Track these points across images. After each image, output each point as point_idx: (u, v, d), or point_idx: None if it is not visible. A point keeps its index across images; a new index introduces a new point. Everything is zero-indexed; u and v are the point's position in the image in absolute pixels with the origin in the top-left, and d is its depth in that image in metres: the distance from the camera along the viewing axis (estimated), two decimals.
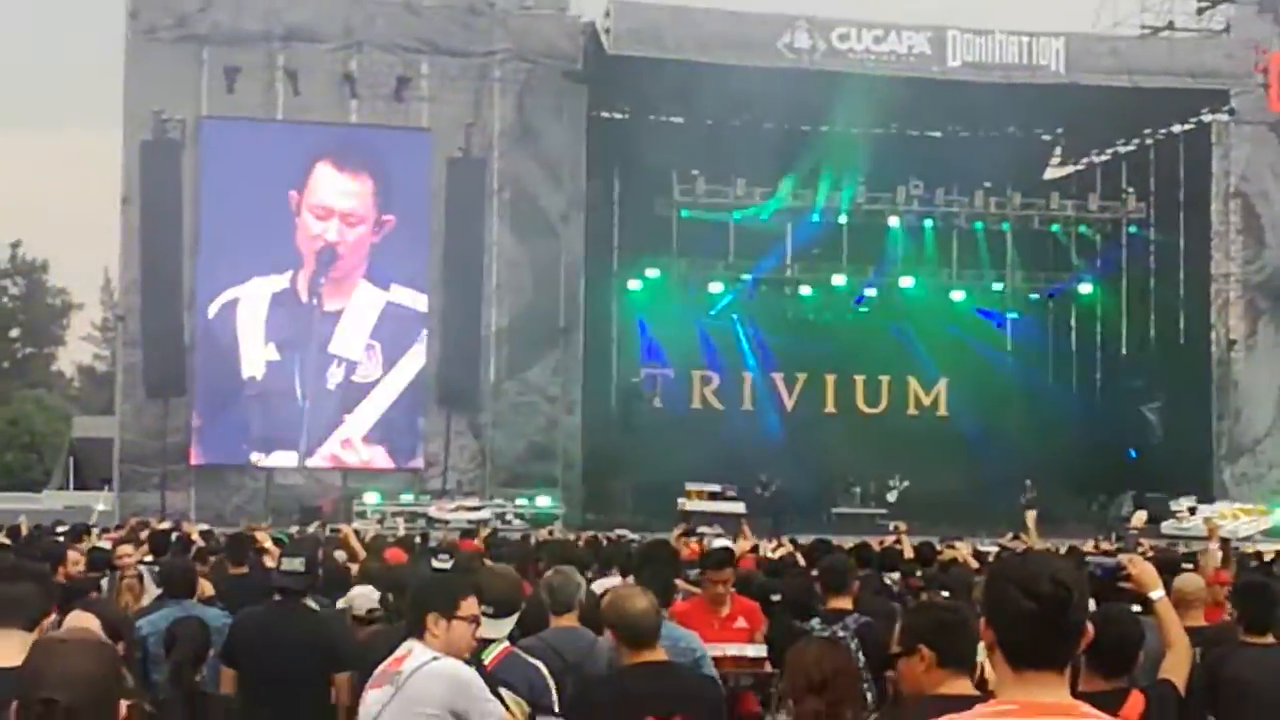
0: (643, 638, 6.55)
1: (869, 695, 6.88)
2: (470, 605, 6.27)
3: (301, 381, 37.69)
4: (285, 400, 37.56)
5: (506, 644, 7.05)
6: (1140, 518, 14.96)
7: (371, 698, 6.12)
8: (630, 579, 9.99)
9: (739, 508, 33.41)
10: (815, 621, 8.73)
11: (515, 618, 6.97)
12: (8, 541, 15.67)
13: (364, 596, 9.47)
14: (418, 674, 6.00)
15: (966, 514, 36.64)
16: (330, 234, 37.93)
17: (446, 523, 32.29)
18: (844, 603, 9.12)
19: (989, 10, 46.19)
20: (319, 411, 37.68)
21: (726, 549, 12.03)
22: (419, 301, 38.30)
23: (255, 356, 37.71)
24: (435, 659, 6.03)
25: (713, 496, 35.96)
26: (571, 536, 22.64)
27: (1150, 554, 14.17)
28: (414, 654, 6.08)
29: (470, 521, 31.05)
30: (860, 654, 7.64)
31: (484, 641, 6.69)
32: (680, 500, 35.63)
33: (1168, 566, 12.27)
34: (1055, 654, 3.68)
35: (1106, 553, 12.91)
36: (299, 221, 37.78)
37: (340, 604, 9.62)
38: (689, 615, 9.21)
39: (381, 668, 6.18)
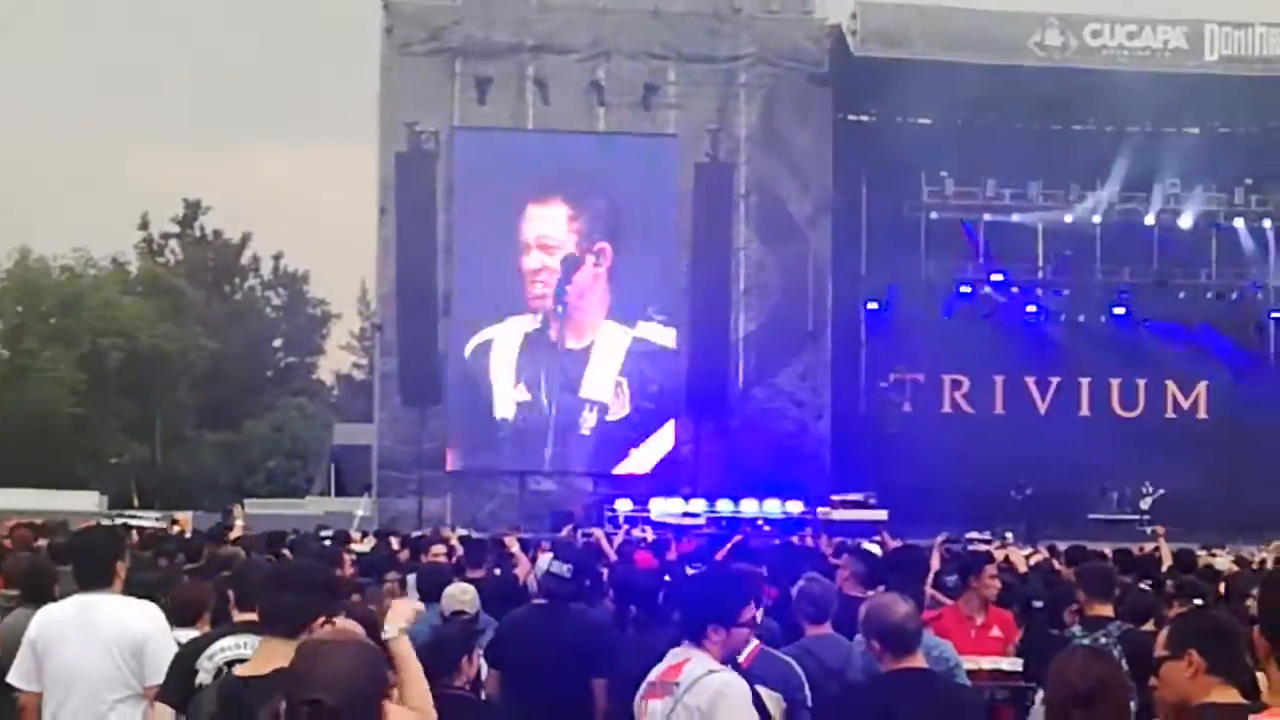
0: (905, 645, 6.53)
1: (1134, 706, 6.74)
2: (749, 611, 6.33)
3: (551, 422, 38.06)
4: (536, 442, 38.06)
5: (757, 642, 7.07)
6: None
7: (653, 708, 6.15)
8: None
9: (881, 515, 32.83)
10: (1076, 628, 8.57)
11: None
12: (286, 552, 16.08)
13: (451, 597, 9.37)
14: (699, 684, 6.03)
15: (1226, 521, 35.64)
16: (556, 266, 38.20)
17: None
18: (1106, 610, 8.81)
19: (1248, 1, 44.79)
20: (571, 456, 38.18)
21: (987, 553, 11.84)
22: (666, 337, 38.49)
23: (505, 399, 38.23)
24: (712, 671, 6.06)
25: (855, 505, 35.07)
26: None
27: None
28: (693, 661, 6.11)
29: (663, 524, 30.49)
30: (1124, 662, 7.49)
31: None
32: (822, 509, 34.76)
33: None
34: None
35: None
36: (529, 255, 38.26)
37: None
38: (942, 624, 9.10)
39: (657, 676, 6.21)
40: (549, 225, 38.39)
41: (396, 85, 37.88)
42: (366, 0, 39.09)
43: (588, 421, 38.28)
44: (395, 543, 15.85)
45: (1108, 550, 14.58)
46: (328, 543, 16.10)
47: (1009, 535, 27.03)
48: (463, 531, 21.00)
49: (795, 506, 36.74)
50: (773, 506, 36.62)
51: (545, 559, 10.75)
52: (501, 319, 37.92)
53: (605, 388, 38.43)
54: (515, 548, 14.02)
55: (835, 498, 36.02)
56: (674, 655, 6.23)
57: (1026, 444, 42.11)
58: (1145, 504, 40.32)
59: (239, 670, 5.83)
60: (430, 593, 9.52)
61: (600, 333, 38.46)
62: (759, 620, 6.87)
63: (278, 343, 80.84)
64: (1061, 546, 18.16)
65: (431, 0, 38.16)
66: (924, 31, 37.42)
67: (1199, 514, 37.27)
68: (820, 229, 38.81)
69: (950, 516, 34.34)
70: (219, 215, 76.94)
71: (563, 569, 8.85)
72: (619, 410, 38.49)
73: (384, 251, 38.43)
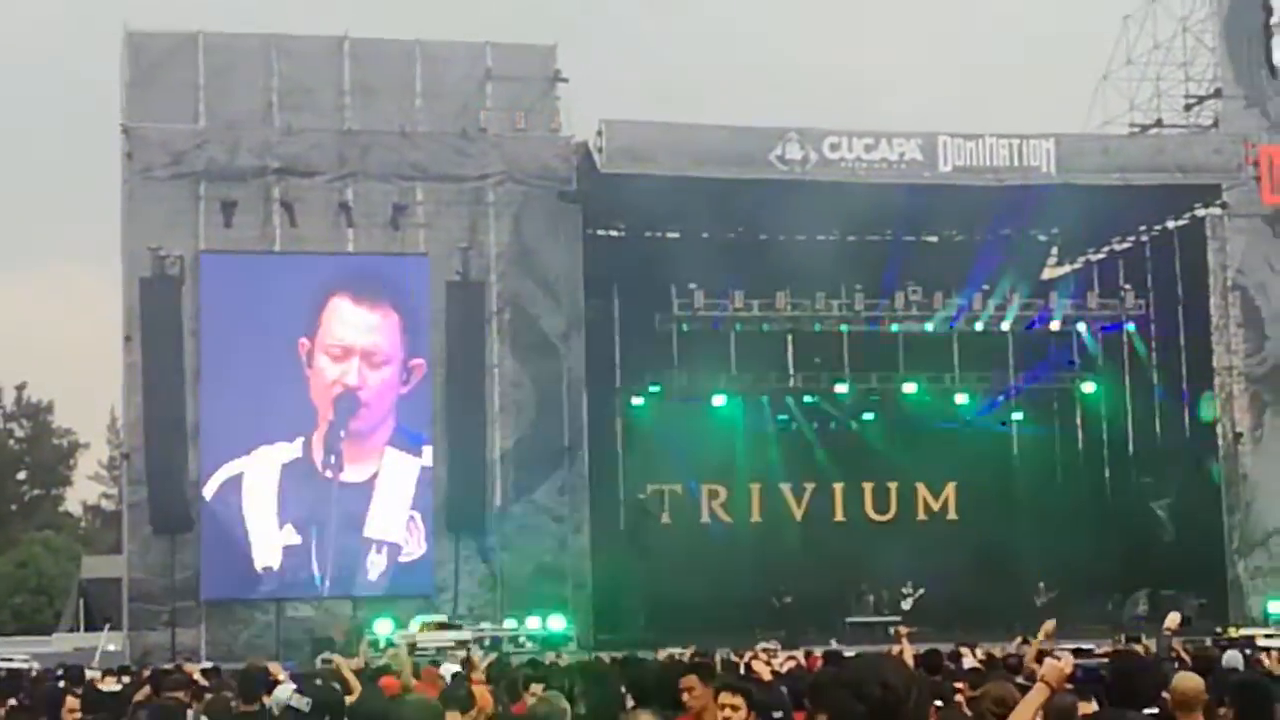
0: None
1: None
2: None
3: (322, 565, 37.01)
4: (306, 588, 37.05)
5: None
6: (1174, 619, 14.67)
7: None
8: None
9: (466, 635, 32.76)
10: None
11: None
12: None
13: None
14: None
15: (982, 619, 36.39)
16: (350, 378, 37.36)
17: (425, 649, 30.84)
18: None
19: (979, 115, 46.53)
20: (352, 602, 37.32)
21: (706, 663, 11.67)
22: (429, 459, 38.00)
23: (269, 543, 36.90)
24: None
25: (441, 627, 34.89)
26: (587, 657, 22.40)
27: (1185, 655, 14.00)
28: None
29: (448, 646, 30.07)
30: None
31: None
32: (406, 633, 33.73)
33: (1203, 666, 12.11)
34: None
35: (1106, 654, 12.76)
36: (312, 371, 37.23)
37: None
38: None
39: None
40: (352, 330, 37.63)
41: (139, 210, 37.30)
42: (107, 124, 38.51)
43: (377, 565, 37.48)
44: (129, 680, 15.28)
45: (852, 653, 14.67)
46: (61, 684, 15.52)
47: (769, 644, 27.18)
48: (207, 664, 20.47)
49: (557, 623, 36.62)
50: (534, 623, 36.49)
51: (284, 690, 10.44)
52: (249, 451, 37.00)
53: (395, 525, 37.64)
54: (281, 675, 13.57)
55: (421, 620, 35.04)
56: None
57: (785, 551, 42.65)
58: (906, 604, 41.02)
59: None
60: None
61: (384, 461, 37.81)
62: None
63: (22, 475, 78.28)
64: (818, 652, 18.36)
65: (173, 124, 37.60)
66: (668, 147, 37.97)
67: (956, 613, 38.04)
68: (574, 343, 38.98)
69: (710, 626, 34.78)
70: None
71: (302, 703, 8.62)
72: (415, 549, 37.79)
73: (130, 378, 37.62)
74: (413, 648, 26.62)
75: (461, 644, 29.34)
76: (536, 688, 10.57)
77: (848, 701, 3.75)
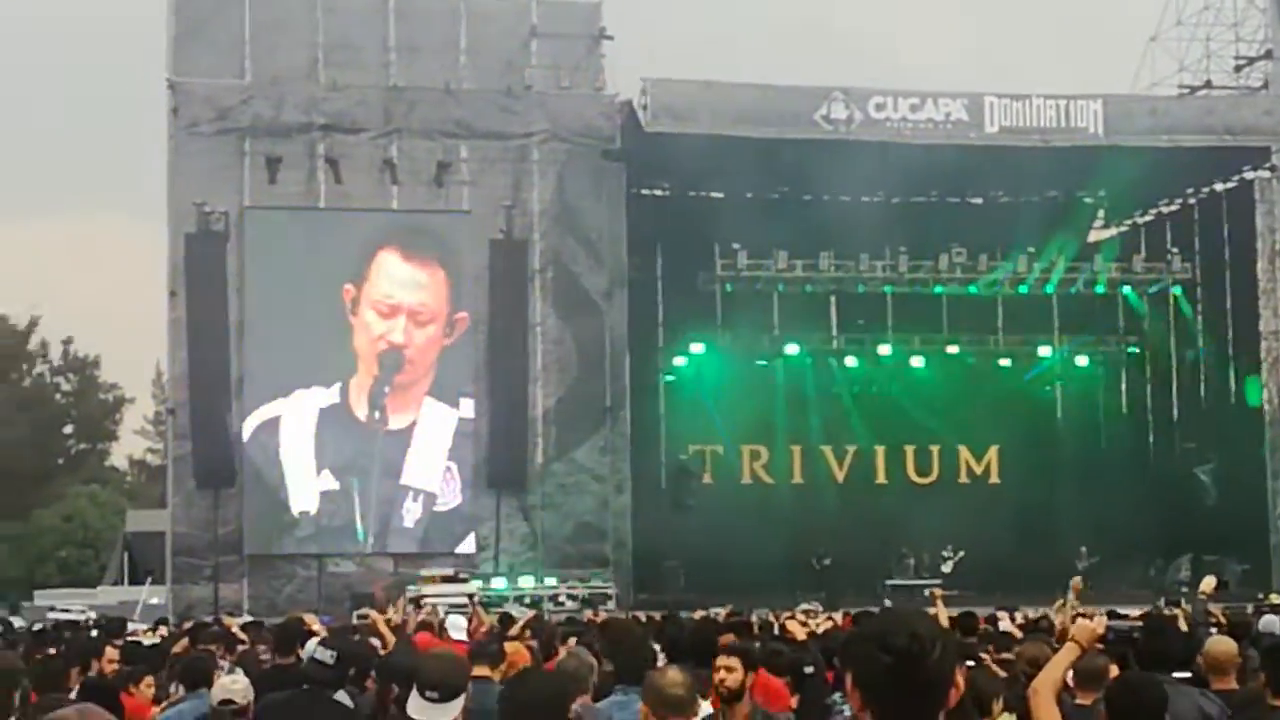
0: (676, 710, 6.54)
1: None
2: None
3: (364, 515, 37.15)
4: (345, 537, 37.22)
5: None
6: (1209, 583, 14.59)
7: None
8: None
9: (472, 589, 32.47)
10: (837, 696, 8.60)
11: (461, 700, 6.74)
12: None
13: (221, 687, 8.87)
14: None
15: (1023, 583, 36.20)
16: (396, 334, 37.37)
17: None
18: None
19: (1026, 75, 46.18)
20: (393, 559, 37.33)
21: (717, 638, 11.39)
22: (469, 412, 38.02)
23: (306, 488, 37.06)
24: None
25: (446, 580, 34.62)
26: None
27: (1221, 619, 13.93)
28: None
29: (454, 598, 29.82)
30: None
31: None
32: (410, 588, 34.05)
33: (1239, 630, 12.04)
34: (917, 710, 3.68)
35: (1139, 616, 12.70)
36: (356, 321, 37.27)
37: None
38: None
39: None
40: (400, 287, 37.68)
41: (185, 165, 37.41)
42: (153, 79, 38.59)
43: (412, 513, 37.57)
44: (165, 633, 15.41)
45: None
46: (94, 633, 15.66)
47: (811, 605, 27.15)
48: (248, 618, 20.60)
49: (597, 581, 36.73)
50: (575, 582, 36.62)
51: (313, 643, 10.50)
52: (287, 394, 37.04)
53: (433, 474, 37.77)
54: (316, 625, 13.67)
55: (425, 573, 34.92)
56: None
57: (826, 512, 42.63)
58: (947, 568, 40.94)
59: None
60: (194, 682, 9.27)
61: (423, 411, 37.88)
62: None
63: (68, 429, 78.88)
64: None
65: (218, 80, 37.68)
66: (712, 106, 37.81)
67: (996, 577, 37.95)
68: (616, 302, 38.96)
69: (750, 587, 34.83)
70: (2, 296, 75.18)
71: (326, 655, 8.65)
72: (451, 499, 37.90)
73: (175, 334, 37.80)
74: (417, 602, 26.56)
75: (470, 598, 28.89)
76: (571, 644, 10.64)
77: (873, 653, 3.71)
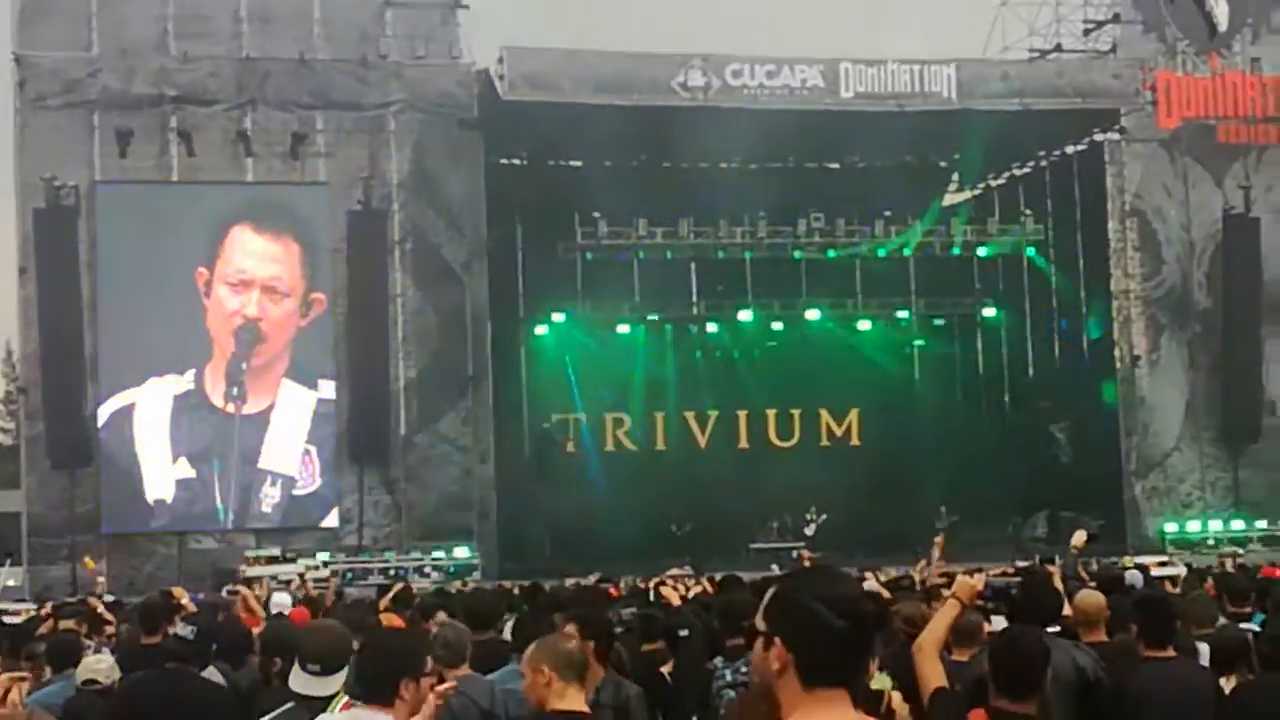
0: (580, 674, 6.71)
1: None
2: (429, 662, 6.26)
3: (224, 497, 36.65)
4: (207, 520, 36.72)
5: (347, 698, 6.91)
6: (1080, 537, 14.86)
7: None
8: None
9: (300, 568, 32.45)
10: (718, 660, 8.64)
11: (344, 673, 6.70)
12: None
13: (86, 668, 8.86)
14: None
15: (884, 543, 36.73)
16: (250, 309, 36.79)
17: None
18: (739, 641, 8.89)
19: (881, 41, 46.55)
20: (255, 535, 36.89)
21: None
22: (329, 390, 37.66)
23: (162, 475, 36.54)
24: None
25: (271, 560, 34.60)
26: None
27: (1091, 575, 14.20)
28: None
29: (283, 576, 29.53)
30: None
31: (318, 699, 6.59)
32: (241, 567, 33.68)
33: (1110, 585, 12.29)
34: (856, 671, 3.68)
35: (1005, 574, 12.91)
36: (210, 302, 36.71)
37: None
38: None
39: None
40: (253, 260, 37.15)
41: (32, 139, 36.66)
42: None
43: (270, 497, 37.14)
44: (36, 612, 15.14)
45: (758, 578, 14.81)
46: None
47: (682, 569, 27.34)
48: (110, 597, 20.29)
49: (462, 552, 36.74)
50: (439, 553, 36.61)
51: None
52: (141, 382, 36.57)
53: (291, 458, 37.37)
54: (185, 599, 13.49)
55: (249, 554, 35.05)
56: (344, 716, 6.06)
57: (689, 478, 42.84)
58: (809, 530, 41.31)
59: None
60: (59, 662, 9.12)
61: (280, 394, 37.46)
62: None
63: None
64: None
65: (65, 52, 36.94)
66: (571, 74, 37.72)
67: (859, 538, 38.42)
68: (476, 273, 38.79)
69: (615, 554, 35.01)
70: None
71: (186, 631, 8.57)
72: (309, 483, 37.52)
73: (26, 311, 37.10)
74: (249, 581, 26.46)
75: (300, 575, 28.51)
76: (441, 615, 10.60)
77: (824, 618, 3.62)
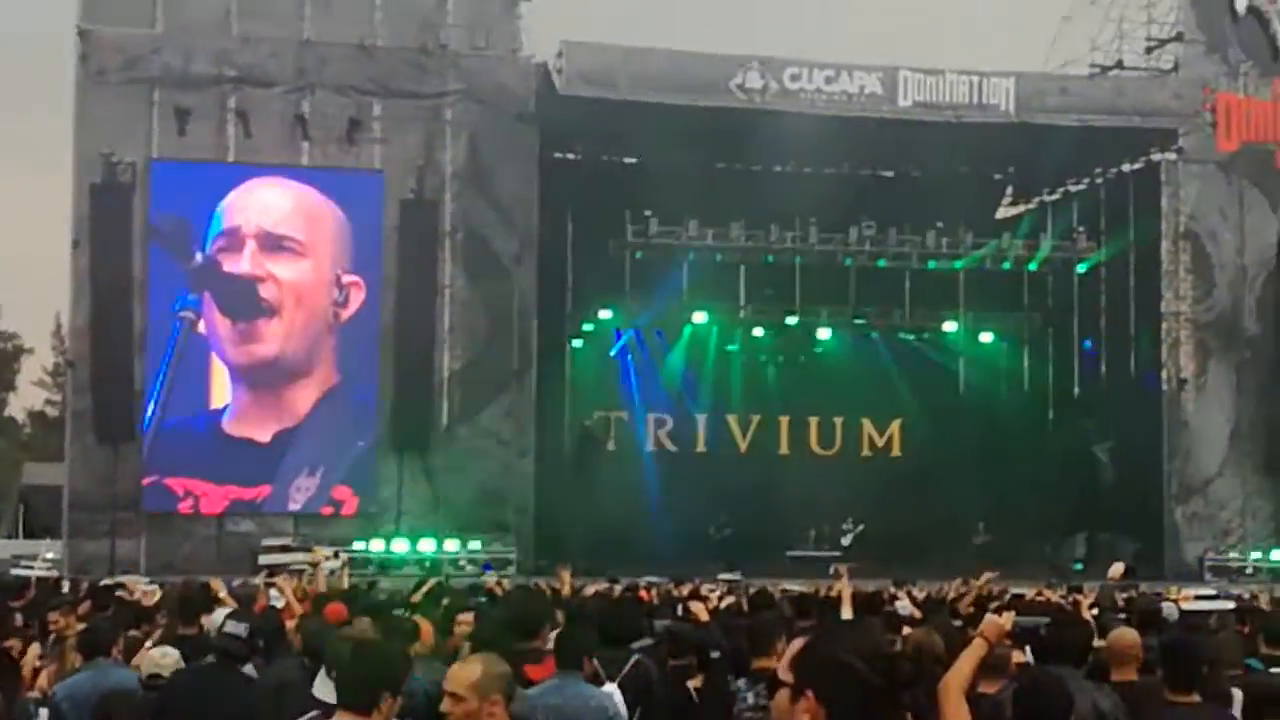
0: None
1: None
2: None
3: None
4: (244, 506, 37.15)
5: None
6: (1118, 570, 14.74)
7: None
8: None
9: (316, 557, 32.22)
10: (741, 683, 8.54)
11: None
12: None
13: (151, 661, 8.85)
14: None
15: (920, 557, 36.58)
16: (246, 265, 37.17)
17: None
18: (770, 663, 8.69)
19: (940, 50, 46.35)
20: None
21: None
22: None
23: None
24: None
25: (285, 549, 34.70)
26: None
27: (1128, 603, 13.98)
28: None
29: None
30: None
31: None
32: (260, 556, 33.49)
33: (1147, 619, 12.03)
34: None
35: (1037, 605, 12.78)
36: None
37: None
38: None
39: None
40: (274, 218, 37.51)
41: (92, 114, 36.83)
42: (61, 25, 37.95)
43: (308, 486, 37.47)
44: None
45: (797, 589, 14.70)
46: None
47: (732, 575, 27.26)
48: (147, 583, 20.32)
49: (500, 546, 36.72)
50: (476, 546, 36.61)
51: (221, 613, 10.34)
52: None
53: (329, 444, 37.53)
54: (223, 592, 13.35)
55: (266, 543, 35.23)
56: None
57: (728, 482, 42.69)
58: (846, 540, 41.21)
59: None
60: (90, 652, 9.01)
61: (320, 378, 37.65)
62: None
63: None
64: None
65: (128, 29, 37.10)
66: (628, 71, 37.72)
67: (895, 550, 38.24)
68: (526, 267, 38.79)
69: (652, 556, 34.96)
70: None
71: (240, 628, 8.54)
72: (347, 470, 37.69)
73: (78, 285, 37.28)
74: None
75: (313, 565, 28.46)
76: (466, 616, 10.51)
77: (863, 675, 3.62)
